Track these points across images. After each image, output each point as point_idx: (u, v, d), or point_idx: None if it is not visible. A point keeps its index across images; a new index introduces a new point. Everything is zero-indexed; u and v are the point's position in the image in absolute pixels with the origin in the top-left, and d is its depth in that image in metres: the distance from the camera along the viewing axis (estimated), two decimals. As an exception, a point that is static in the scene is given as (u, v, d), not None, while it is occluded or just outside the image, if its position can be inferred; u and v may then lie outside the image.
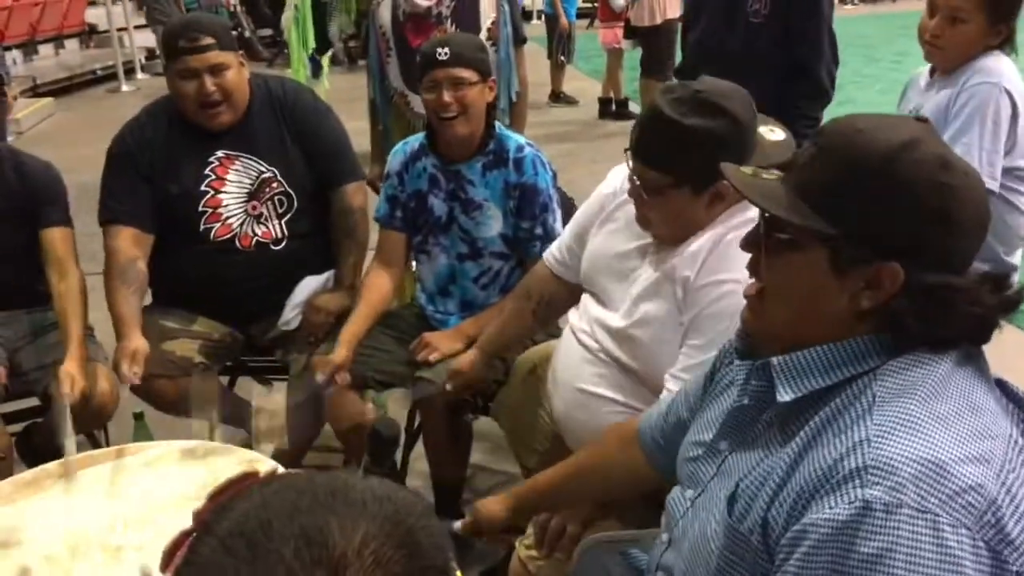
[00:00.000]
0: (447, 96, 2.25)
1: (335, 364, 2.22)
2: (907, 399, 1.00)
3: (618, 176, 1.94)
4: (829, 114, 2.65)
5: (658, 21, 6.63)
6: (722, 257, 1.64)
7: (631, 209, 1.81)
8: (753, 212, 1.59)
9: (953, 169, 1.03)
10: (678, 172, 1.64)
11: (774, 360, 1.10)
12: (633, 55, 7.18)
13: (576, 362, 1.87)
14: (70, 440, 1.86)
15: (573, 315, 1.96)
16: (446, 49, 2.25)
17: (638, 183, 1.70)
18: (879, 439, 0.96)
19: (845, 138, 1.06)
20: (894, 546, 0.90)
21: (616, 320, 1.80)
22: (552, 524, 1.67)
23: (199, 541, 0.64)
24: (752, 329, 1.19)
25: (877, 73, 9.15)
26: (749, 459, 1.13)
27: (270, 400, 2.01)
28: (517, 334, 2.17)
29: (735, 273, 1.59)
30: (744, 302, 1.51)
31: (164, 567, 0.68)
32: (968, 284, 1.03)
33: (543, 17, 8.71)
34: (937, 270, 1.02)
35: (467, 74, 2.25)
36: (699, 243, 1.69)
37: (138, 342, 2.23)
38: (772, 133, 1.74)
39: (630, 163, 1.72)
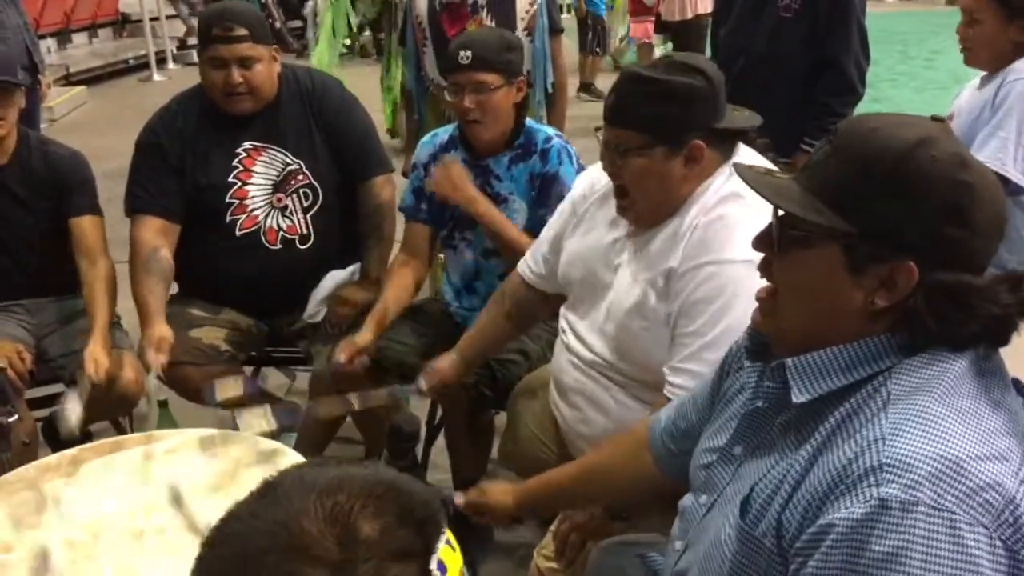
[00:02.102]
0: (468, 101, 2.23)
1: (358, 346, 2.24)
2: (922, 396, 0.98)
3: (586, 180, 1.94)
4: (862, 112, 2.61)
5: (689, 16, 6.58)
6: (699, 242, 1.64)
7: (607, 209, 1.81)
8: (725, 189, 1.64)
9: (970, 167, 1.02)
10: (653, 128, 1.64)
11: (789, 361, 1.08)
12: (663, 50, 7.13)
13: (574, 377, 1.85)
14: (74, 411, 2.02)
15: (564, 334, 1.92)
16: (468, 53, 2.22)
17: (613, 151, 1.69)
18: (893, 436, 0.95)
19: (860, 136, 1.06)
20: (910, 545, 0.89)
21: (604, 320, 1.78)
22: (572, 537, 1.66)
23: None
24: (765, 331, 1.17)
25: (911, 71, 9.03)
26: (764, 463, 1.12)
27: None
28: (494, 338, 2.14)
29: (713, 255, 1.62)
30: (734, 279, 1.52)
31: None
32: (984, 283, 1.02)
33: (572, 10, 8.69)
34: (952, 269, 1.01)
35: (490, 78, 2.22)
36: (677, 230, 1.68)
37: (163, 330, 2.24)
38: (737, 111, 1.76)
39: (604, 135, 1.72)
